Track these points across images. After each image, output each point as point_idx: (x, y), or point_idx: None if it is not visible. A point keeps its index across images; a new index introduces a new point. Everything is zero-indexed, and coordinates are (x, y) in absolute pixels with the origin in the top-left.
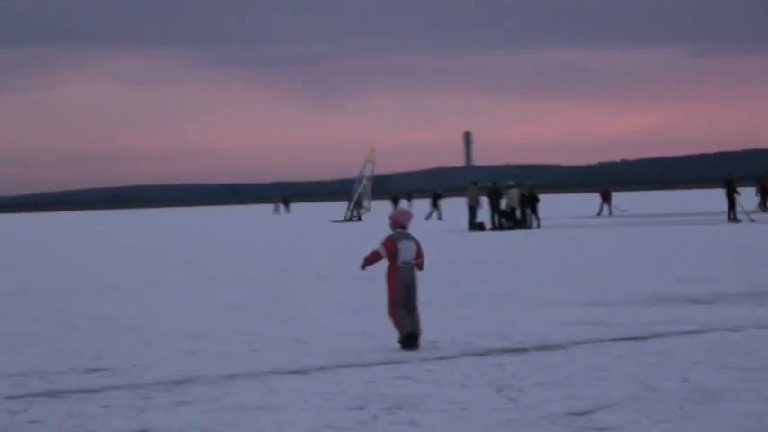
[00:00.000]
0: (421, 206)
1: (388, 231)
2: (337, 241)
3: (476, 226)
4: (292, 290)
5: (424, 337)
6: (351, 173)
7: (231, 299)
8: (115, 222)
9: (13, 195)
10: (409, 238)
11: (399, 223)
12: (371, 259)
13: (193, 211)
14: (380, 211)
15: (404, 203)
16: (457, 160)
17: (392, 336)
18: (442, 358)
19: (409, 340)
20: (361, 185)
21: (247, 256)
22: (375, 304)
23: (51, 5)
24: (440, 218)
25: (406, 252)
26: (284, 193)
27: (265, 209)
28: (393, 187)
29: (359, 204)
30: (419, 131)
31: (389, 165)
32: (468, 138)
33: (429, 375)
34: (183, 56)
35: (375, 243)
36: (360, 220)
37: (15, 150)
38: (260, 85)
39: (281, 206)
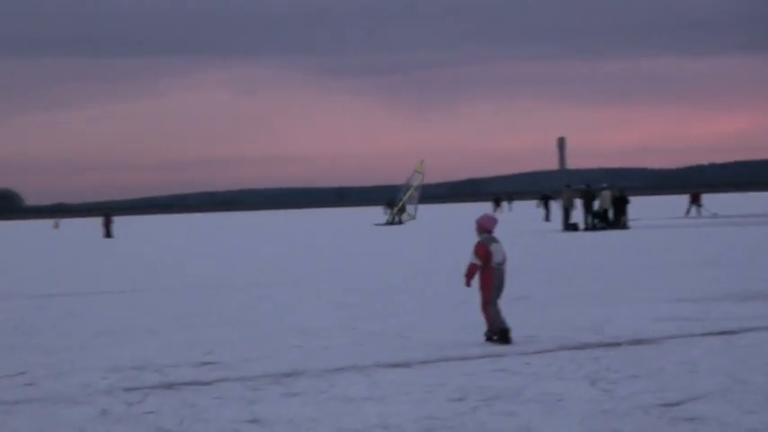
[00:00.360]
0: (520, 207)
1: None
2: (429, 241)
3: (570, 226)
4: (392, 287)
5: (522, 332)
6: (454, 176)
7: (334, 296)
8: (223, 224)
9: (126, 199)
10: (497, 241)
11: (486, 228)
12: (472, 272)
13: (299, 213)
14: (469, 213)
15: (504, 205)
16: (551, 164)
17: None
18: (539, 352)
19: (505, 335)
20: (408, 194)
21: (349, 255)
22: (470, 301)
23: (162, 19)
24: (548, 219)
25: (497, 254)
26: (386, 197)
27: (371, 211)
28: (491, 190)
29: (402, 210)
30: (516, 137)
31: (487, 168)
32: (561, 143)
33: (526, 368)
34: (288, 65)
35: (469, 255)
36: (401, 223)
37: (130, 155)
38: (363, 93)
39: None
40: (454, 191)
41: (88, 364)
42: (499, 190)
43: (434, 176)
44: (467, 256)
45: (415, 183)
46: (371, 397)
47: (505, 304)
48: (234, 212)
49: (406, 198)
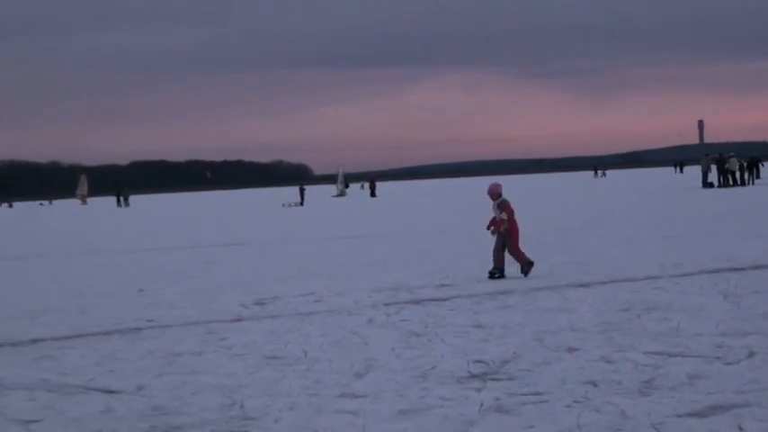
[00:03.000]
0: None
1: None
2: (612, 194)
3: (707, 185)
4: (576, 228)
5: (672, 261)
6: (621, 150)
7: (534, 234)
8: (456, 187)
9: (387, 168)
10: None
11: (498, 192)
12: (515, 228)
13: (508, 178)
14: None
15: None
16: (693, 140)
17: (650, 260)
18: (685, 275)
19: (531, 264)
20: (341, 177)
21: (545, 204)
22: (638, 239)
23: (412, 38)
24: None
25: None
26: (589, 164)
27: (582, 175)
28: (649, 159)
29: (346, 186)
30: (667, 119)
31: (645, 143)
32: (701, 124)
33: (675, 287)
34: (500, 71)
35: (503, 214)
36: (344, 195)
37: (390, 137)
38: (554, 89)
39: (597, 172)
40: (625, 159)
41: (359, 286)
42: (656, 159)
43: (607, 149)
44: (644, 206)
45: (341, 172)
46: (563, 308)
47: (659, 241)
48: (464, 178)
49: (341, 179)
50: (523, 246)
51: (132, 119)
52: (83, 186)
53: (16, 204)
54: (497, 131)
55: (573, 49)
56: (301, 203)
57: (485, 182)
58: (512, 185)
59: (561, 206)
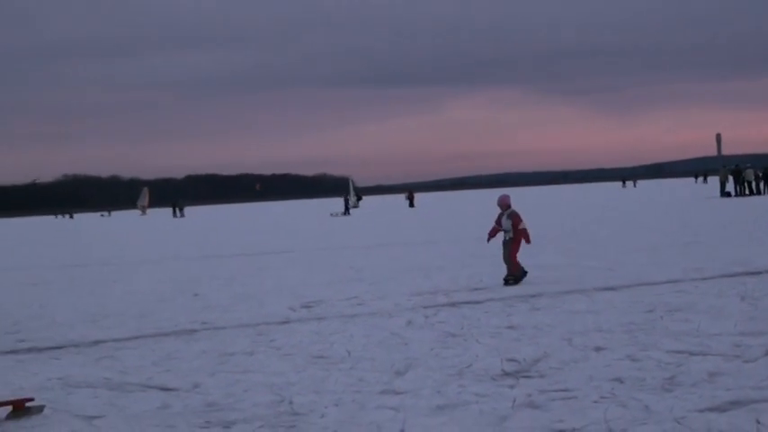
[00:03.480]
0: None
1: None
2: (643, 204)
3: (725, 194)
4: (605, 235)
5: (693, 265)
6: (646, 161)
7: (561, 242)
8: (486, 198)
9: (424, 180)
10: None
11: (508, 204)
12: (527, 234)
13: (539, 189)
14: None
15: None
16: (712, 152)
17: (672, 265)
18: (705, 278)
19: (524, 275)
20: (351, 190)
21: (573, 214)
22: (660, 244)
23: (445, 60)
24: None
25: None
26: (610, 176)
27: (610, 185)
28: (671, 170)
29: (360, 199)
30: (687, 133)
31: (667, 155)
32: (718, 137)
33: (697, 290)
34: (527, 90)
35: (521, 223)
36: (357, 207)
37: (427, 150)
38: (577, 106)
39: (625, 183)
40: (648, 171)
41: (399, 290)
42: (675, 169)
43: (632, 161)
44: (667, 214)
45: (352, 186)
46: (590, 310)
47: (681, 247)
48: (496, 189)
49: (353, 193)
50: (556, 253)
51: (187, 135)
52: (144, 198)
53: (77, 215)
54: (527, 145)
55: (599, 68)
56: (345, 213)
57: (516, 192)
58: (542, 195)
59: (590, 215)
